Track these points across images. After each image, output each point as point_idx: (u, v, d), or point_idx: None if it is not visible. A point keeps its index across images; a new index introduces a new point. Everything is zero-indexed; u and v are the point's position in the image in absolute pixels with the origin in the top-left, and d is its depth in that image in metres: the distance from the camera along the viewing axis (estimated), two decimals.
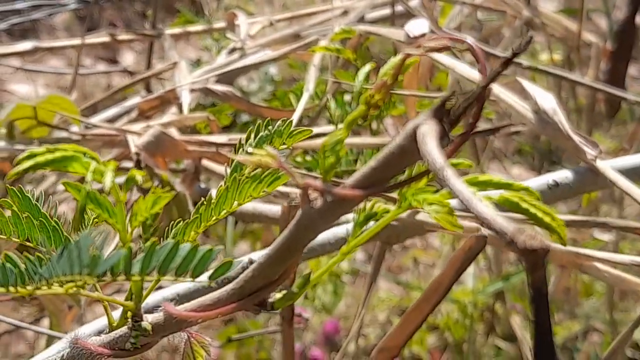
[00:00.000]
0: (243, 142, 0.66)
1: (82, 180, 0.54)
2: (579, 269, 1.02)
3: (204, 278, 0.52)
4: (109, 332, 0.64)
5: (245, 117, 1.87)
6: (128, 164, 1.30)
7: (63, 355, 0.64)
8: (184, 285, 0.83)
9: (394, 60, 0.50)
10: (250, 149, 0.62)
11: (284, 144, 0.66)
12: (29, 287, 0.52)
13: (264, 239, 2.10)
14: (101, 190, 0.52)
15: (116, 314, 0.70)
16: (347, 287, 2.72)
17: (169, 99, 1.48)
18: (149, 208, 0.54)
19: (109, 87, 3.32)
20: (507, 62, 0.44)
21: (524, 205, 0.48)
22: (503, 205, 0.49)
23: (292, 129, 0.66)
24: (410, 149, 0.44)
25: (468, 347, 2.29)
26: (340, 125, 1.15)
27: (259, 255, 0.57)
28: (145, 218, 0.55)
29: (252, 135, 0.66)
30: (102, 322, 0.83)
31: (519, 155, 3.06)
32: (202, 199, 0.65)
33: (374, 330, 2.71)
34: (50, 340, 1.16)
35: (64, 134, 1.34)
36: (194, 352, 0.63)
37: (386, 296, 2.67)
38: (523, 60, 1.48)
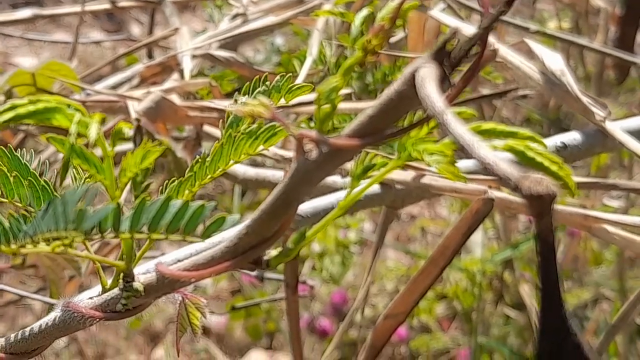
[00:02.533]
0: (239, 96, 0.64)
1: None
2: (588, 232, 1.00)
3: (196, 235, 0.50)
4: (101, 294, 0.62)
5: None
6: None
7: (55, 319, 0.63)
8: (189, 249, 0.81)
9: (392, 4, 0.48)
10: (244, 99, 0.60)
11: (282, 99, 0.63)
12: (13, 245, 0.50)
13: None
14: (87, 145, 0.50)
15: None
16: (355, 257, 2.70)
17: (171, 66, 1.45)
18: (138, 163, 0.52)
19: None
20: (510, 2, 0.42)
21: (530, 153, 0.46)
22: (508, 153, 0.46)
23: (291, 84, 0.64)
24: (409, 94, 0.42)
25: (477, 316, 2.28)
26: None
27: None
28: (135, 174, 0.53)
29: (250, 90, 0.63)
30: (97, 289, 0.81)
31: (527, 124, 3.03)
32: (197, 157, 0.63)
33: (382, 299, 2.70)
34: (51, 309, 1.14)
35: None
36: (189, 313, 0.61)
37: (394, 266, 2.66)
38: (531, 25, 1.46)
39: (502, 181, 0.37)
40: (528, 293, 2.32)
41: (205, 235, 0.50)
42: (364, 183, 0.54)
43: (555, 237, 0.37)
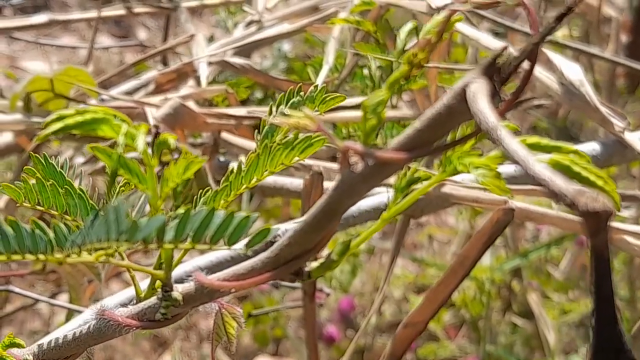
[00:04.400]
0: (274, 107, 0.64)
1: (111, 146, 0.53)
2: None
3: (240, 246, 0.50)
4: (136, 303, 0.62)
5: (258, 95, 1.85)
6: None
7: (89, 327, 0.63)
8: (209, 256, 0.81)
9: (438, 17, 0.48)
10: (287, 111, 0.60)
11: (316, 110, 0.64)
12: (58, 255, 0.51)
13: (284, 213, 2.08)
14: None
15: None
16: (363, 264, 2.71)
17: (187, 72, 1.46)
18: (181, 173, 0.52)
19: (122, 64, 3.30)
20: (561, 17, 0.42)
21: (576, 168, 0.46)
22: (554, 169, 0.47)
23: (325, 94, 0.64)
24: (459, 109, 0.42)
25: (484, 324, 2.28)
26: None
27: (291, 226, 0.55)
28: (177, 184, 0.53)
29: (284, 101, 0.64)
30: (125, 294, 0.81)
31: (533, 132, 3.03)
32: (232, 167, 0.63)
33: (389, 307, 2.70)
34: (70, 315, 1.14)
35: (81, 107, 1.32)
36: (225, 323, 0.61)
37: (402, 273, 2.66)
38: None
39: (557, 197, 0.37)
40: (536, 302, 2.32)
41: (250, 245, 0.51)
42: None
43: (609, 254, 0.37)
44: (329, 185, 0.99)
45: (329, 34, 1.46)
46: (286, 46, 2.11)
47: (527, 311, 2.43)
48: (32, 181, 0.63)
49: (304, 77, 1.54)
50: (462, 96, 0.42)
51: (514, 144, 0.38)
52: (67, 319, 1.09)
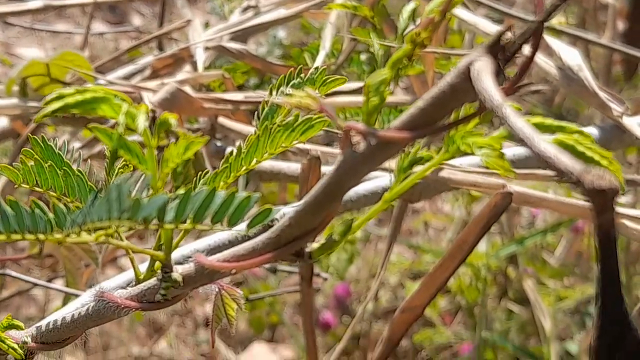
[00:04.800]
0: (274, 89, 0.63)
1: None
2: None
3: (241, 226, 0.50)
4: (135, 285, 0.62)
5: (254, 82, 1.84)
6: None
7: (88, 309, 0.62)
8: (208, 240, 0.81)
9: None
10: (289, 90, 0.60)
11: (316, 92, 0.63)
12: (57, 235, 0.50)
13: (280, 199, 2.08)
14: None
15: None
16: (359, 251, 2.71)
17: (183, 57, 1.45)
18: (181, 153, 0.51)
19: (117, 50, 3.29)
20: None
21: (580, 147, 0.46)
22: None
23: (325, 76, 0.64)
24: (463, 87, 0.42)
25: (480, 311, 2.28)
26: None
27: (289, 209, 0.55)
28: (177, 164, 0.52)
29: (284, 82, 0.63)
30: (123, 278, 0.81)
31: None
32: (232, 149, 0.62)
33: (385, 293, 2.70)
34: (67, 300, 1.14)
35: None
36: (225, 304, 0.61)
37: (397, 260, 2.66)
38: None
39: (563, 175, 0.37)
40: (531, 288, 2.32)
41: (251, 226, 0.50)
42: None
43: (616, 232, 0.37)
44: (326, 169, 0.99)
45: (326, 19, 1.46)
46: (281, 33, 2.11)
47: (523, 298, 2.43)
48: (31, 163, 0.63)
49: (300, 63, 1.53)
50: (466, 74, 0.42)
51: (520, 122, 0.38)
52: (64, 304, 1.09)
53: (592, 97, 1.07)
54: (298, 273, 1.12)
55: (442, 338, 2.46)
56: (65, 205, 0.52)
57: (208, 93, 1.33)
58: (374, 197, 1.03)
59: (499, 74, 0.42)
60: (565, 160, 0.37)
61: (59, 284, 1.78)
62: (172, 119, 0.49)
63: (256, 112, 0.65)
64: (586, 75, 1.09)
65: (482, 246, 2.39)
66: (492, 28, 1.16)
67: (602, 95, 1.07)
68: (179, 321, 2.80)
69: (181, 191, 0.50)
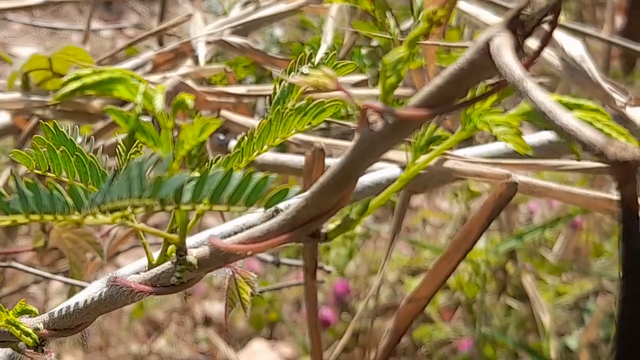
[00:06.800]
0: (285, 73, 0.63)
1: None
2: (612, 216, 1.00)
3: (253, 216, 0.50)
4: (148, 269, 0.62)
5: (250, 80, 1.84)
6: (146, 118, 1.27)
7: (101, 294, 0.62)
8: (222, 227, 0.81)
9: None
10: (305, 70, 0.60)
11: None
12: (75, 216, 0.50)
13: None
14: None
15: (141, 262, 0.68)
16: (358, 247, 2.71)
17: (184, 52, 1.45)
18: (197, 135, 0.51)
19: (114, 49, 3.28)
20: None
21: (598, 125, 0.46)
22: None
23: (336, 61, 0.64)
24: (483, 63, 0.42)
25: (479, 307, 2.28)
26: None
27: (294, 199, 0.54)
28: (192, 147, 0.52)
29: (295, 68, 0.63)
30: (135, 266, 0.81)
31: None
32: (243, 134, 0.62)
33: (384, 290, 2.70)
34: (73, 291, 1.14)
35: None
36: (239, 288, 0.61)
37: (396, 256, 2.66)
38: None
39: (586, 147, 0.37)
40: (530, 284, 2.32)
41: (268, 206, 0.50)
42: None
43: (639, 204, 0.37)
44: (330, 161, 0.99)
45: (325, 14, 1.46)
46: (278, 31, 2.11)
47: (522, 293, 2.43)
48: (43, 149, 0.63)
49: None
50: (485, 50, 0.42)
51: (542, 96, 0.38)
52: (70, 296, 1.09)
53: (595, 88, 1.07)
54: (302, 266, 1.12)
55: (441, 334, 2.46)
56: (82, 187, 0.51)
57: (209, 87, 1.33)
58: (379, 187, 1.03)
59: (518, 50, 0.42)
60: (589, 133, 0.37)
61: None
62: (189, 99, 0.49)
63: (267, 97, 0.64)
64: (589, 66, 1.09)
65: (481, 242, 2.39)
66: (493, 19, 1.16)
67: (605, 85, 1.07)
68: (177, 319, 2.79)
69: (196, 173, 0.50)
